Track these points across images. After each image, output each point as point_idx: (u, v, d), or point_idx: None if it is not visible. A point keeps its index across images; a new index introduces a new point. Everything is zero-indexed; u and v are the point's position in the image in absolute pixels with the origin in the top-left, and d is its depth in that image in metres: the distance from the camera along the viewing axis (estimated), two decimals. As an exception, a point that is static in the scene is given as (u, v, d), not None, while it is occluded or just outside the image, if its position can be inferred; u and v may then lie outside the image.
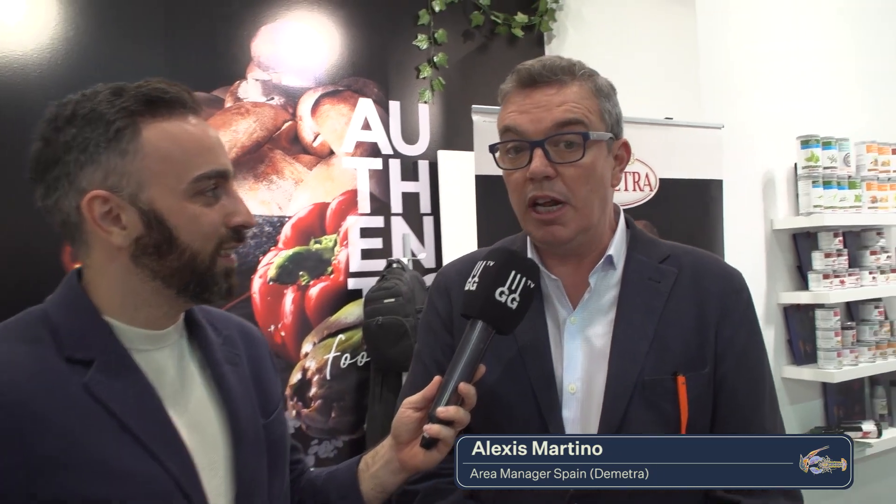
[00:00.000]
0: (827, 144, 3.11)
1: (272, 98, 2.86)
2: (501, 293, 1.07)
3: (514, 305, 1.07)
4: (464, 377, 1.05)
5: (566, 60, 1.17)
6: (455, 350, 1.08)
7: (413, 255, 3.09)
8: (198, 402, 1.04)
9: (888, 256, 3.42)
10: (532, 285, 1.09)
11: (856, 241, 3.40)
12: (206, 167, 0.98)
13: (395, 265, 2.92)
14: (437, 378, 1.07)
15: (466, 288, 1.10)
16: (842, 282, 3.09)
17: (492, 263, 1.09)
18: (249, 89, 2.81)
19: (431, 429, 1.03)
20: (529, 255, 1.23)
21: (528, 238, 1.24)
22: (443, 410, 1.03)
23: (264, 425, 1.11)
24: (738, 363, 1.18)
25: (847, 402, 3.40)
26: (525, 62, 1.17)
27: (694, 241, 1.28)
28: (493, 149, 1.20)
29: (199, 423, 1.02)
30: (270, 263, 2.81)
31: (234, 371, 1.10)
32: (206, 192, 0.99)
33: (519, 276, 1.08)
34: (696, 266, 1.22)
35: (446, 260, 3.07)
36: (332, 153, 2.97)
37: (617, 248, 1.21)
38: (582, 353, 1.17)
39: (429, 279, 3.12)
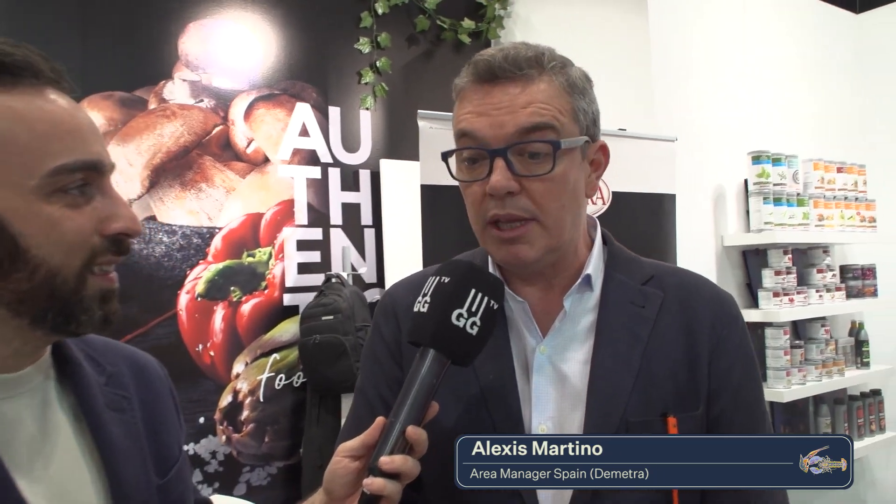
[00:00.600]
0: (777, 161, 3.09)
1: (201, 100, 2.67)
2: (459, 316, 0.89)
3: (475, 331, 0.89)
4: (412, 419, 0.87)
5: (533, 49, 0.99)
6: (402, 385, 0.91)
7: (353, 269, 2.95)
8: (66, 463, 0.82)
9: (833, 275, 3.42)
10: (496, 306, 0.92)
11: (802, 259, 3.38)
12: (69, 156, 0.75)
13: (333, 280, 2.79)
14: (379, 419, 0.89)
15: (416, 309, 0.92)
16: (790, 300, 3.06)
17: (447, 279, 0.92)
18: (176, 90, 2.61)
19: (373, 484, 0.85)
20: (491, 271, 1.07)
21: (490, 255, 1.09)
22: (387, 461, 0.85)
23: (160, 487, 0.90)
24: (735, 400, 1.03)
25: (793, 421, 3.37)
26: (485, 51, 0.99)
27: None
28: (446, 156, 1.03)
29: (65, 493, 0.80)
30: (199, 278, 2.63)
31: (119, 420, 0.88)
32: (70, 190, 0.76)
33: (480, 294, 0.90)
34: (684, 289, 1.07)
35: (388, 275, 2.94)
36: (266, 160, 2.80)
37: (595, 266, 1.06)
38: (554, 389, 1.01)
39: (370, 295, 2.99)
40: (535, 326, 1.04)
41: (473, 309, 0.90)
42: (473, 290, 0.90)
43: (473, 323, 0.90)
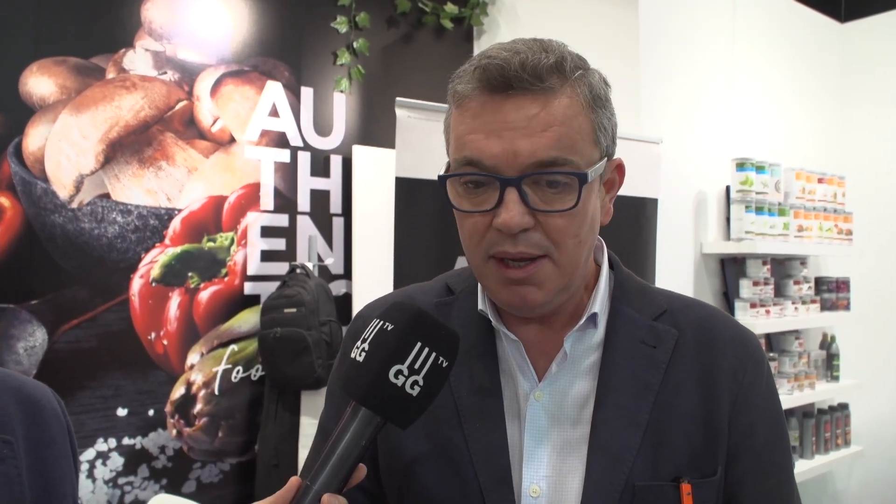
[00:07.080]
0: (760, 169, 3.01)
1: (165, 72, 2.50)
2: (398, 373, 0.74)
3: (415, 391, 0.75)
4: (331, 485, 0.73)
5: (553, 52, 0.81)
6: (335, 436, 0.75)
7: (320, 259, 2.81)
8: None
9: (809, 287, 3.36)
10: (445, 364, 0.77)
11: (779, 270, 3.33)
12: None
13: (298, 270, 2.65)
14: (293, 480, 0.74)
15: (352, 356, 0.77)
16: (767, 312, 2.99)
17: (390, 327, 0.76)
18: (137, 60, 2.44)
19: None
20: (480, 305, 0.93)
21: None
22: None
23: None
24: (759, 462, 0.90)
25: (760, 433, 3.32)
26: (491, 50, 0.81)
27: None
28: (444, 180, 0.86)
29: None
30: (154, 262, 2.47)
31: None
32: None
33: (427, 350, 0.75)
34: (702, 326, 0.92)
35: (356, 267, 2.82)
36: (232, 141, 2.65)
37: (601, 301, 0.91)
38: (549, 443, 0.88)
39: (335, 287, 2.85)
40: (530, 369, 0.90)
41: (416, 366, 0.75)
42: (419, 345, 0.76)
43: (415, 382, 0.75)
